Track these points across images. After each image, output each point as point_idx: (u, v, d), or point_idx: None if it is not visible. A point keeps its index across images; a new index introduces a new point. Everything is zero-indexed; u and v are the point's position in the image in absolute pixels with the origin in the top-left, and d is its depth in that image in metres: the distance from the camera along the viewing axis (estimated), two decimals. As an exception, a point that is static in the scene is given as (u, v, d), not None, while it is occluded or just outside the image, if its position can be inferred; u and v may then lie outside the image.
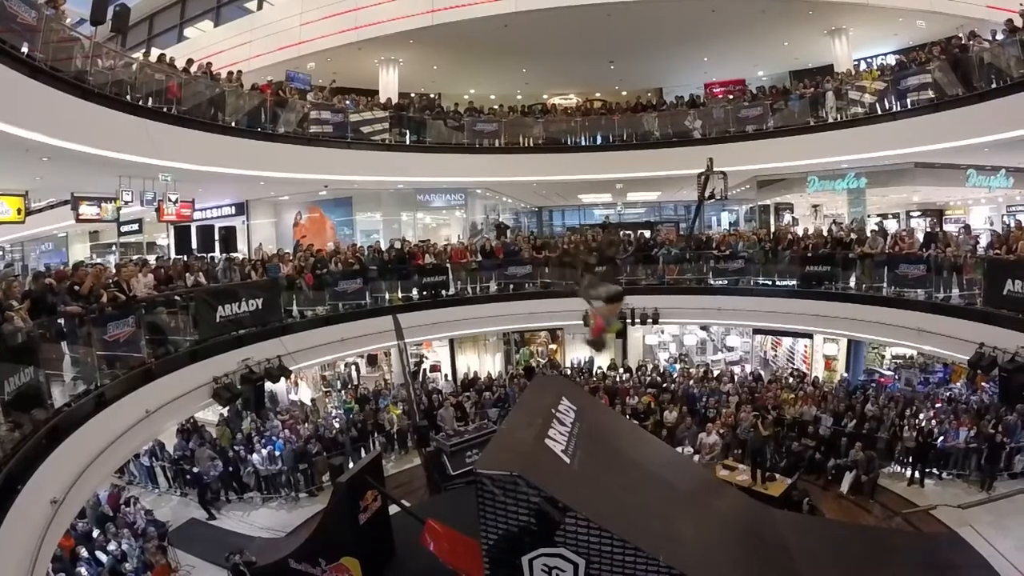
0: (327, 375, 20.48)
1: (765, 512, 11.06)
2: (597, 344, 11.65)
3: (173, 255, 15.75)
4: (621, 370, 19.92)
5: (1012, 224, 15.25)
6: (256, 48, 19.97)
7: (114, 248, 21.43)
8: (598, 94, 24.76)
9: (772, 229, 20.03)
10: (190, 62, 15.26)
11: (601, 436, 9.25)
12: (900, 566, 9.43)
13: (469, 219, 23.17)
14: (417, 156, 18.78)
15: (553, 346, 22.38)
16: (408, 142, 18.86)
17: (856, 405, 15.55)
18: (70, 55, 11.21)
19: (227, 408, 14.60)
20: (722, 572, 7.74)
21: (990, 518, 12.17)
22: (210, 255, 15.11)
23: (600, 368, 20.25)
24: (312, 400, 18.91)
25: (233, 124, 15.31)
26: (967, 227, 15.60)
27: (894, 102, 16.58)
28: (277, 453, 14.81)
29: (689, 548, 7.75)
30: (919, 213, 23.30)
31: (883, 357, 19.98)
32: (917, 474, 14.10)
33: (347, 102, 18.47)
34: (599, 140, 20.40)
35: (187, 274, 12.69)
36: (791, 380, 18.38)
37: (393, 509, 10.94)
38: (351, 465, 13.20)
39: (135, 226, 21.42)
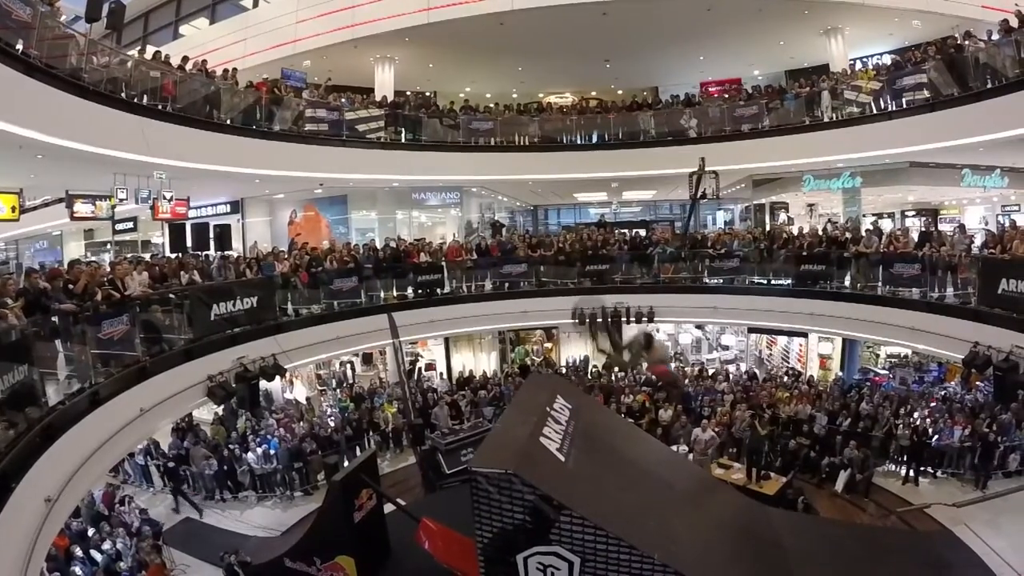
0: (322, 374, 20.45)
1: (760, 511, 11.08)
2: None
3: (168, 253, 15.71)
4: (616, 368, 19.87)
5: (1007, 224, 15.28)
6: (251, 46, 19.95)
7: (109, 246, 21.42)
8: (594, 93, 24.79)
9: (767, 228, 20.02)
10: (185, 59, 15.19)
11: (596, 434, 9.24)
12: (895, 565, 9.44)
13: (464, 218, 23.18)
14: (412, 154, 18.77)
15: (548, 345, 22.37)
16: (403, 140, 18.86)
17: (851, 404, 15.58)
18: (65, 52, 11.16)
19: (222, 407, 14.57)
20: (717, 570, 7.74)
21: (985, 516, 12.19)
22: (205, 253, 15.07)
23: (595, 366, 20.24)
24: (307, 399, 18.88)
25: (228, 122, 15.27)
26: (962, 227, 15.64)
27: (889, 102, 16.64)
28: (272, 452, 14.79)
29: (684, 546, 7.75)
30: (914, 213, 23.34)
31: (878, 356, 20.00)
32: (912, 472, 14.14)
33: (342, 100, 18.43)
34: (595, 139, 20.43)
35: (182, 272, 12.66)
36: (786, 379, 18.41)
37: (388, 508, 10.95)
38: (346, 464, 13.20)
39: (130, 224, 21.36)
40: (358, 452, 15.24)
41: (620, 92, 24.49)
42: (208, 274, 13.43)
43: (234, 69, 16.62)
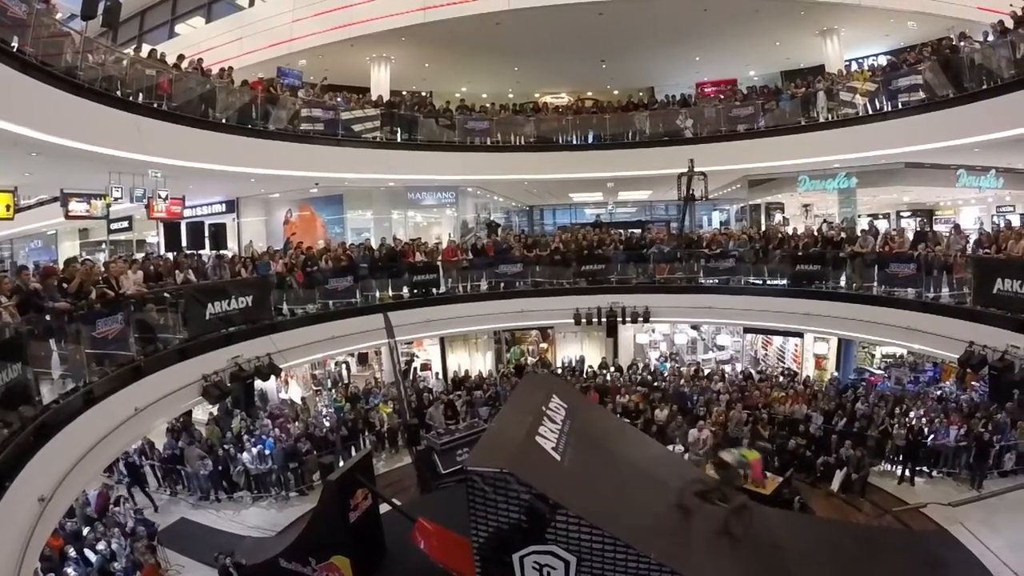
0: (317, 374, 20.44)
1: (756, 510, 11.08)
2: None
3: (163, 252, 15.66)
4: (612, 369, 19.93)
5: (1002, 224, 15.33)
6: (247, 45, 19.93)
7: (104, 246, 21.32)
8: (590, 93, 24.84)
9: (763, 228, 20.06)
10: (181, 58, 15.15)
11: (592, 434, 9.22)
12: (891, 564, 9.44)
13: (460, 218, 23.17)
14: (408, 154, 18.74)
15: (544, 345, 22.38)
16: (399, 140, 18.84)
17: (846, 404, 15.63)
18: (60, 50, 11.10)
19: (216, 407, 14.53)
20: (714, 570, 7.73)
21: (980, 516, 12.23)
22: (200, 252, 15.03)
23: (591, 367, 20.27)
24: (302, 399, 18.84)
25: (224, 121, 15.22)
26: (957, 226, 15.71)
27: (885, 102, 16.67)
28: (267, 452, 14.74)
29: (681, 546, 7.74)
30: (909, 213, 23.45)
31: (873, 356, 20.06)
32: (907, 472, 14.21)
33: (338, 99, 18.41)
34: (590, 139, 20.43)
35: (176, 271, 12.61)
36: (781, 379, 18.42)
37: (384, 508, 10.91)
38: (341, 464, 13.16)
39: (125, 223, 21.25)
40: (353, 452, 15.20)
41: (616, 92, 24.58)
42: (203, 273, 13.38)
43: (230, 68, 16.60)
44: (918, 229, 18.63)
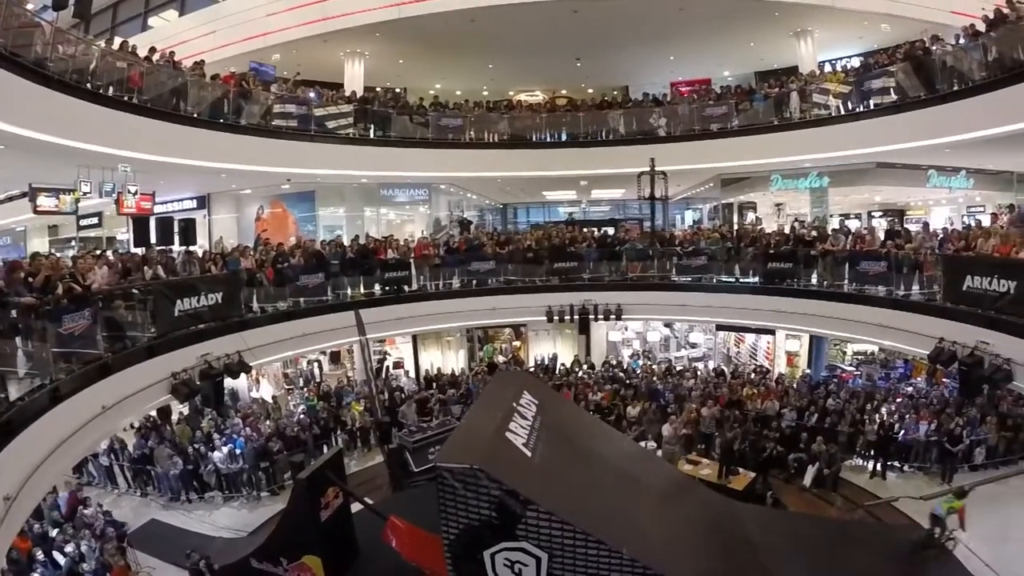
0: (289, 372, 20.30)
1: (729, 506, 11.18)
2: None
3: (132, 248, 15.42)
4: (584, 366, 19.98)
5: (972, 224, 15.57)
6: (221, 38, 19.64)
7: (73, 243, 20.99)
8: (564, 91, 24.89)
9: (735, 227, 20.21)
10: (152, 50, 14.94)
11: (563, 430, 9.24)
12: (863, 557, 9.57)
13: (433, 215, 23.13)
14: (381, 150, 18.67)
15: (517, 343, 22.39)
16: (372, 136, 18.76)
17: (818, 400, 15.79)
18: (31, 41, 10.92)
19: (186, 405, 14.35)
20: (686, 565, 7.76)
21: None
22: (169, 248, 14.80)
23: (564, 364, 20.31)
24: (274, 398, 18.67)
25: (195, 115, 15.03)
26: (926, 225, 15.93)
27: (858, 103, 16.85)
28: (238, 451, 14.62)
29: (653, 541, 7.77)
30: (881, 213, 23.72)
31: (845, 353, 20.31)
32: (879, 467, 14.47)
33: (311, 94, 18.24)
34: (564, 137, 20.44)
35: (145, 267, 12.41)
36: (753, 376, 18.58)
37: (356, 507, 10.83)
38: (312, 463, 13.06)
39: (95, 220, 20.93)
40: (325, 451, 15.11)
41: (591, 91, 24.65)
42: (172, 269, 13.18)
43: (201, 61, 16.36)
44: (888, 228, 18.85)
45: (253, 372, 16.06)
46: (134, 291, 11.73)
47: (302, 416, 16.53)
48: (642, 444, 14.33)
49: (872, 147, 16.40)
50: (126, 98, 13.22)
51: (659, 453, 14.58)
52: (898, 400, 16.31)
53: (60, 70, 11.36)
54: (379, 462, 15.61)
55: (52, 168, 13.07)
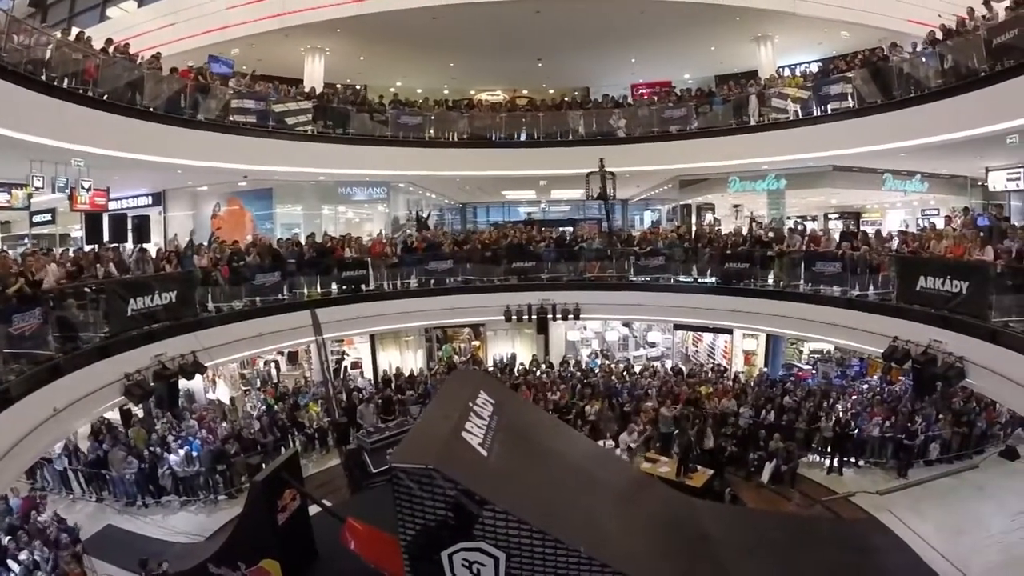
0: (246, 373, 20.00)
1: (688, 503, 11.29)
2: None
3: (85, 246, 15.05)
4: (543, 365, 20.04)
5: (927, 226, 15.97)
6: (180, 31, 19.24)
7: (26, 240, 20.41)
8: (525, 91, 24.90)
9: (692, 227, 20.40)
10: (109, 42, 14.57)
11: (520, 429, 9.23)
12: (822, 551, 9.73)
13: (392, 214, 23.03)
14: (340, 148, 18.43)
15: (476, 343, 22.38)
16: (331, 133, 18.54)
17: (775, 398, 16.03)
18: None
19: (141, 407, 14.05)
20: (645, 562, 7.81)
21: (907, 503, 12.87)
22: (122, 245, 14.47)
23: (522, 364, 20.35)
24: (231, 399, 18.40)
25: (152, 109, 14.68)
26: (878, 233, 16.30)
27: (815, 107, 17.11)
28: (195, 454, 14.38)
29: (611, 539, 7.81)
30: (837, 215, 24.12)
31: (802, 352, 20.65)
32: (835, 463, 14.74)
33: (269, 88, 18.04)
34: (523, 137, 20.41)
35: (98, 265, 12.11)
36: (711, 375, 18.80)
37: (314, 509, 10.73)
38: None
39: (48, 216, 20.36)
40: (283, 453, 14.93)
41: (552, 91, 24.72)
42: (125, 267, 12.88)
43: (158, 54, 16.01)
44: (844, 230, 19.24)
45: (209, 373, 15.79)
46: (86, 290, 11.46)
47: (264, 417, 16.32)
48: (600, 443, 14.40)
49: (829, 151, 16.66)
50: (81, 91, 12.87)
51: (617, 452, 14.67)
52: (853, 397, 16.66)
53: (14, 61, 11.05)
54: (337, 463, 15.50)
55: (3, 162, 12.73)
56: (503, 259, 18.28)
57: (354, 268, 16.92)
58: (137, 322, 11.79)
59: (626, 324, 22.90)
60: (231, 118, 16.52)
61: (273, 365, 20.42)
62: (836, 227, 21.47)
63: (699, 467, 14.14)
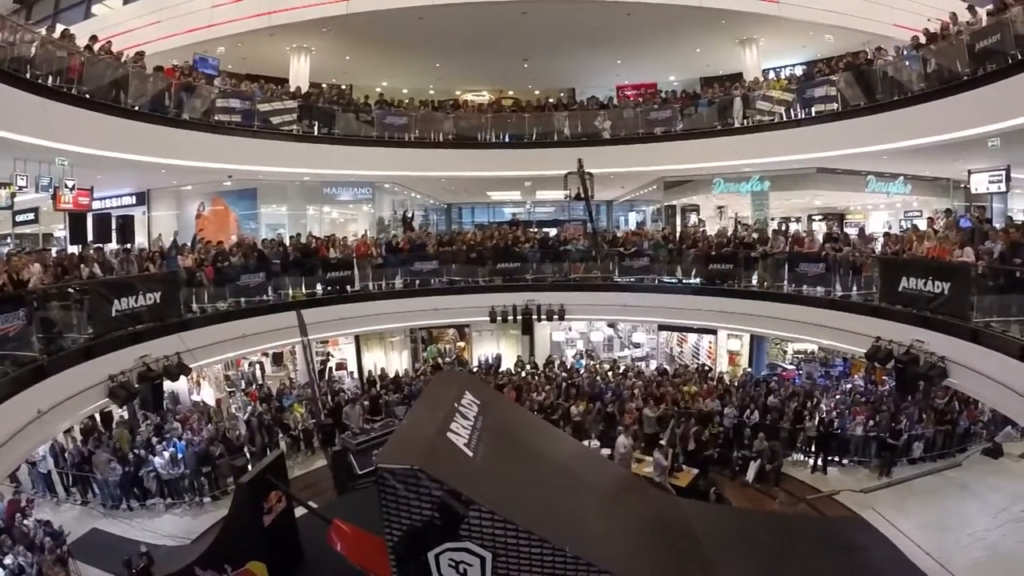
0: (231, 375, 19.88)
1: (673, 502, 11.34)
2: None
3: (69, 246, 14.92)
4: (528, 366, 20.06)
5: (909, 228, 16.14)
6: (165, 29, 19.15)
7: (9, 240, 20.21)
8: (511, 92, 24.94)
9: (678, 229, 20.49)
10: (93, 39, 14.48)
11: (506, 430, 9.22)
12: (806, 549, 9.78)
13: (377, 214, 22.99)
14: (325, 148, 18.42)
15: (461, 343, 22.38)
16: (317, 133, 18.50)
17: (759, 398, 16.14)
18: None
19: (125, 409, 13.95)
20: (630, 562, 7.82)
21: (891, 501, 13.00)
22: (106, 246, 14.36)
23: (508, 368, 20.37)
24: (216, 401, 18.29)
25: (136, 108, 14.58)
26: (862, 231, 16.44)
27: (799, 110, 17.24)
28: (180, 456, 14.29)
29: (597, 538, 7.82)
30: (821, 217, 24.28)
31: (786, 352, 20.78)
32: (820, 462, 14.89)
33: (255, 87, 17.95)
34: (509, 138, 20.44)
35: (82, 265, 12.02)
36: (695, 375, 18.88)
37: (300, 511, 10.69)
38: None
39: (31, 216, 20.18)
40: (268, 454, 14.89)
41: (537, 92, 24.78)
42: (109, 268, 12.79)
43: (142, 52, 15.90)
44: (828, 232, 19.41)
45: (194, 374, 15.70)
46: (70, 290, 11.38)
47: (252, 419, 16.24)
48: (585, 443, 14.43)
49: (813, 153, 16.77)
50: (66, 89, 12.77)
51: (604, 452, 14.71)
52: (837, 397, 16.81)
53: (-1, 58, 10.96)
54: (323, 465, 15.44)
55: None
56: (488, 260, 18.27)
57: (339, 268, 16.87)
58: (121, 323, 11.69)
59: (611, 325, 22.98)
60: (216, 117, 16.44)
61: (258, 366, 20.32)
62: (820, 228, 21.66)
63: (684, 466, 14.22)
